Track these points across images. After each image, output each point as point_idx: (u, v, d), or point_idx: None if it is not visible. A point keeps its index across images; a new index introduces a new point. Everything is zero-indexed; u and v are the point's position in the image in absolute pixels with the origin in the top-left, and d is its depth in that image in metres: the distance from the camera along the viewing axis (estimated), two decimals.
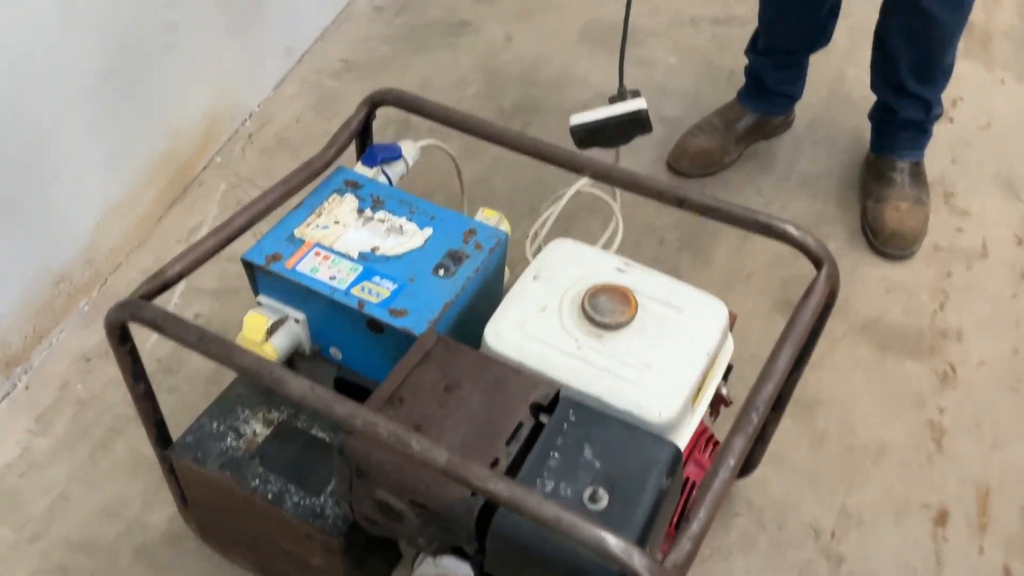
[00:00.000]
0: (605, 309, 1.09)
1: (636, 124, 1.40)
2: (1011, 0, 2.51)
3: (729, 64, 2.29)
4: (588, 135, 1.42)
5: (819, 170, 2.04)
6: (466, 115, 1.26)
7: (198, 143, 1.98)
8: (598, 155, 1.39)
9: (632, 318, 1.09)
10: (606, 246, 1.48)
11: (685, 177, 2.01)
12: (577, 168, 1.21)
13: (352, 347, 1.23)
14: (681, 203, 1.15)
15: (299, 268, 1.17)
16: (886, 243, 1.83)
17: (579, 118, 1.41)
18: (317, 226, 1.22)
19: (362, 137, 1.34)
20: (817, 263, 1.10)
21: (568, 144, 1.35)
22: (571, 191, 1.50)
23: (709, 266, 1.84)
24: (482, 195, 1.85)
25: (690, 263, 1.84)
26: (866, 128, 2.06)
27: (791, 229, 1.11)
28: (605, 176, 1.21)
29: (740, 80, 2.20)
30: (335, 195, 1.27)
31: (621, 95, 1.40)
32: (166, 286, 1.07)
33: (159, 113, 1.84)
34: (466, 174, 1.50)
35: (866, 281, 1.82)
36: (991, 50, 2.35)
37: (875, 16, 1.79)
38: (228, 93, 2.05)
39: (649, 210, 1.92)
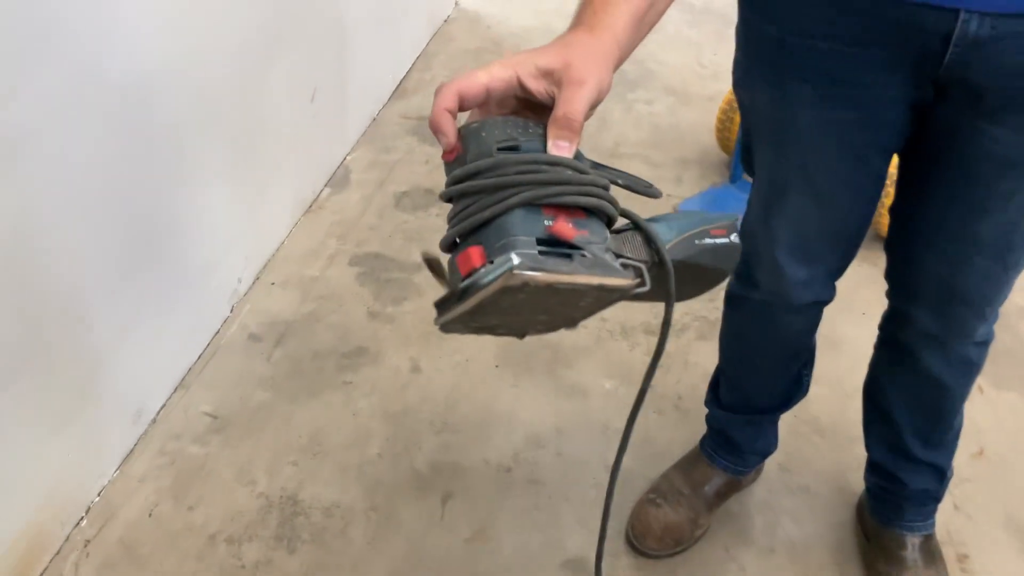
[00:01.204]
0: None
1: None
2: None
3: (672, 389, 1.96)
4: None
5: (806, 534, 1.68)
6: None
7: (14, 572, 1.47)
8: None
9: None
10: None
11: (651, 558, 1.61)
12: None
13: None
14: None
15: None
16: None
17: None
18: None
19: None
20: None
21: None
22: None
23: None
24: None
25: None
26: (847, 468, 1.76)
27: None
28: None
29: (689, 409, 1.89)
30: None
31: None
32: None
33: None
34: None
35: None
36: None
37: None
38: (55, 491, 1.56)
39: None
